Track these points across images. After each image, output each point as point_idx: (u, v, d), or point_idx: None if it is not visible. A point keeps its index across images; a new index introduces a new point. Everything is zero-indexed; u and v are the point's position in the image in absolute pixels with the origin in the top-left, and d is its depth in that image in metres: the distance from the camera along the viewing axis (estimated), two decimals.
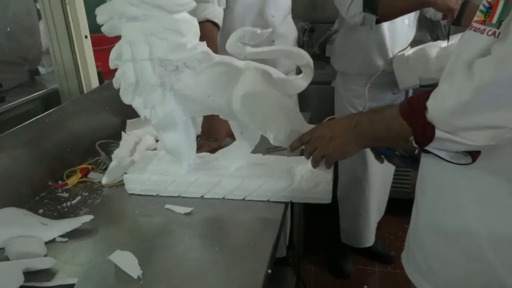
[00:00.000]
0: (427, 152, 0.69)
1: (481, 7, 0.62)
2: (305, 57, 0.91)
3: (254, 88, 0.89)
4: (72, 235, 0.88)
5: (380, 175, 1.79)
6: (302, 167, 0.99)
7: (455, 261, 0.73)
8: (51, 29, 1.33)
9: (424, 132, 0.64)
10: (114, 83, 0.94)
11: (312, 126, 0.93)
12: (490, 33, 0.59)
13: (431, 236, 0.76)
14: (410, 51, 1.62)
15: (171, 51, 0.88)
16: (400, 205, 2.08)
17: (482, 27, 0.61)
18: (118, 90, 0.95)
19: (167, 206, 0.98)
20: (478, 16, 0.62)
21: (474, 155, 0.65)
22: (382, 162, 0.89)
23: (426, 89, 0.66)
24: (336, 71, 1.76)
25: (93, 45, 1.38)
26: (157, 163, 1.05)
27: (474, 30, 0.62)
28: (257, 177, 0.99)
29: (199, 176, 1.00)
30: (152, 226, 0.94)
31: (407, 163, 0.85)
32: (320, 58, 2.12)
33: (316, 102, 1.97)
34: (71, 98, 1.36)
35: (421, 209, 0.79)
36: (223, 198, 1.00)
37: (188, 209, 0.96)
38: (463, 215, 0.70)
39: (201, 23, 1.25)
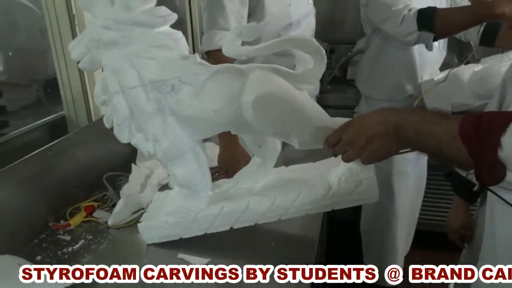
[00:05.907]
0: (489, 190, 0.56)
1: None
2: (313, 43, 0.79)
3: (265, 90, 0.78)
4: None
5: (408, 207, 1.65)
6: (337, 168, 0.88)
7: None
8: (59, 51, 1.25)
9: (492, 171, 0.52)
10: (105, 122, 0.85)
11: (337, 120, 0.79)
12: None
13: None
14: (439, 75, 1.51)
15: (163, 70, 0.78)
16: (426, 238, 1.97)
17: None
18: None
19: (180, 255, 0.86)
20: None
21: None
22: None
23: (496, 112, 0.54)
24: (360, 95, 1.66)
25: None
26: (171, 202, 0.93)
27: None
28: (289, 191, 0.87)
29: (223, 205, 0.88)
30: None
31: None
32: (341, 81, 2.01)
33: None
34: (78, 125, 1.27)
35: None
36: (255, 224, 0.88)
37: (204, 260, 0.84)
38: None
39: (215, 52, 1.16)
